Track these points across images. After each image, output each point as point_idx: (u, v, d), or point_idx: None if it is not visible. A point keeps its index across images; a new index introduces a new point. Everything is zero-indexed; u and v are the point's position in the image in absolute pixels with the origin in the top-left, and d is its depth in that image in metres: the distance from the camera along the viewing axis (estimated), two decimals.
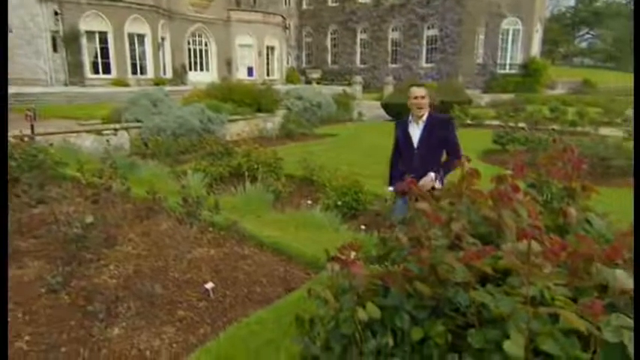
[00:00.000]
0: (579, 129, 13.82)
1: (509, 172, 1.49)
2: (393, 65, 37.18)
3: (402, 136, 3.86)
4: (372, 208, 6.11)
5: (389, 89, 26.05)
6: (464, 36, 33.37)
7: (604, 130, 13.08)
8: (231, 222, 4.13)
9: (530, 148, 9.25)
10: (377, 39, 38.05)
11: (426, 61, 35.78)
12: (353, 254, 1.28)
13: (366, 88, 32.81)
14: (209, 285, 3.22)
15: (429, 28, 35.25)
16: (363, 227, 5.32)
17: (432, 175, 3.57)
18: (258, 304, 3.14)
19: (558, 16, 65.52)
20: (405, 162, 3.87)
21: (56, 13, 23.77)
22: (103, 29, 25.18)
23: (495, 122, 15.34)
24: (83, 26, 24.52)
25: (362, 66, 39.12)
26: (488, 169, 6.82)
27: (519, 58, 35.31)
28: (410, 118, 3.80)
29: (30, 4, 22.88)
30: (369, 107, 21.54)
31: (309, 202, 6.58)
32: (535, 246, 1.08)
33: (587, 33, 68.34)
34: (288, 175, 7.83)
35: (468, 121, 16.78)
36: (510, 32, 35.69)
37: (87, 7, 24.43)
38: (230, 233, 4.15)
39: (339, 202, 6.00)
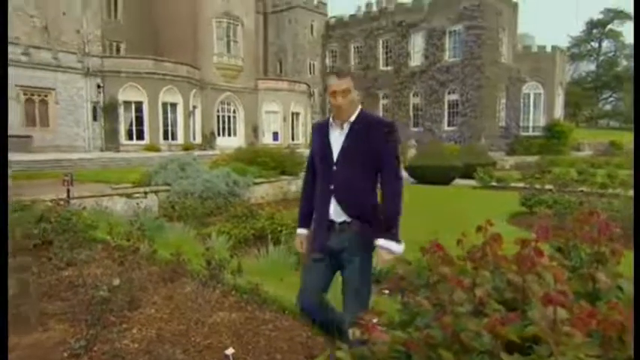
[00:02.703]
0: (610, 191, 13.48)
1: (533, 235, 1.47)
2: (415, 129, 37.82)
3: (319, 146, 2.54)
4: (396, 271, 5.97)
5: (412, 152, 26.35)
6: (485, 100, 33.99)
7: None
8: (254, 285, 4.11)
9: (558, 210, 9.02)
10: (398, 104, 39.16)
11: (448, 125, 36.33)
12: (375, 320, 1.26)
13: None
14: (229, 351, 3.15)
15: (449, 93, 36.16)
16: (386, 292, 5.18)
17: (393, 247, 2.38)
18: None
19: (579, 80, 66.42)
20: (320, 183, 2.49)
21: (99, 86, 25.74)
22: (139, 99, 26.96)
23: (521, 184, 15.15)
24: (121, 97, 26.40)
25: None
26: (515, 232, 6.65)
27: (542, 121, 35.60)
28: (330, 120, 2.55)
29: (76, 79, 24.94)
30: None
31: None
32: (562, 313, 1.05)
33: (611, 96, 68.68)
34: None
35: (493, 183, 16.67)
36: (532, 96, 36.34)
37: (126, 80, 26.41)
38: (252, 297, 4.11)
39: None
